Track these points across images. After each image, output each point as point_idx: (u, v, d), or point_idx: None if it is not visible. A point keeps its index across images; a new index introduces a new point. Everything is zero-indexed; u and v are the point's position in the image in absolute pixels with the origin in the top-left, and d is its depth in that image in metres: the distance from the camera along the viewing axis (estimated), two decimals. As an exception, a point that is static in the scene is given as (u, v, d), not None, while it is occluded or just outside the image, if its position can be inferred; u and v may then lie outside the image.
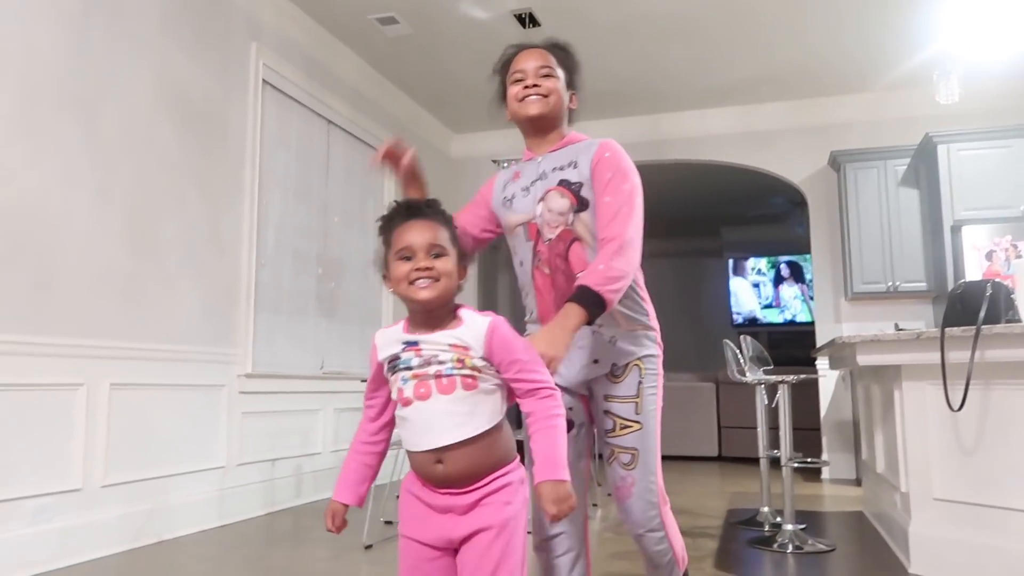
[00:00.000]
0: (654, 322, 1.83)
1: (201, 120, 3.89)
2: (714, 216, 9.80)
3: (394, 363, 1.40)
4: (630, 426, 1.74)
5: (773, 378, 3.71)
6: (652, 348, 1.80)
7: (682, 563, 1.87)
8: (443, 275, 1.36)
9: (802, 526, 3.59)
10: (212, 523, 3.79)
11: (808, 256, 7.28)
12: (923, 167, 5.45)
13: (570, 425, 1.74)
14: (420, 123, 6.30)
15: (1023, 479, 2.60)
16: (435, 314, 1.39)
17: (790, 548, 3.28)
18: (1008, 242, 4.94)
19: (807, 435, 6.00)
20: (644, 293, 1.82)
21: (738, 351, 4.01)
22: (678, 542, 1.86)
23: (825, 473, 5.77)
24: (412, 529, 1.42)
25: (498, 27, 4.74)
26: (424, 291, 1.35)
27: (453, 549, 1.39)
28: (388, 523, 3.87)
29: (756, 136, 6.19)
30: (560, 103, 1.80)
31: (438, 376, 1.35)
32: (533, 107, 1.77)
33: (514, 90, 1.81)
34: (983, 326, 2.57)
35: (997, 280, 2.83)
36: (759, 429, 4.04)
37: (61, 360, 3.04)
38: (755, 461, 4.09)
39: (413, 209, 1.43)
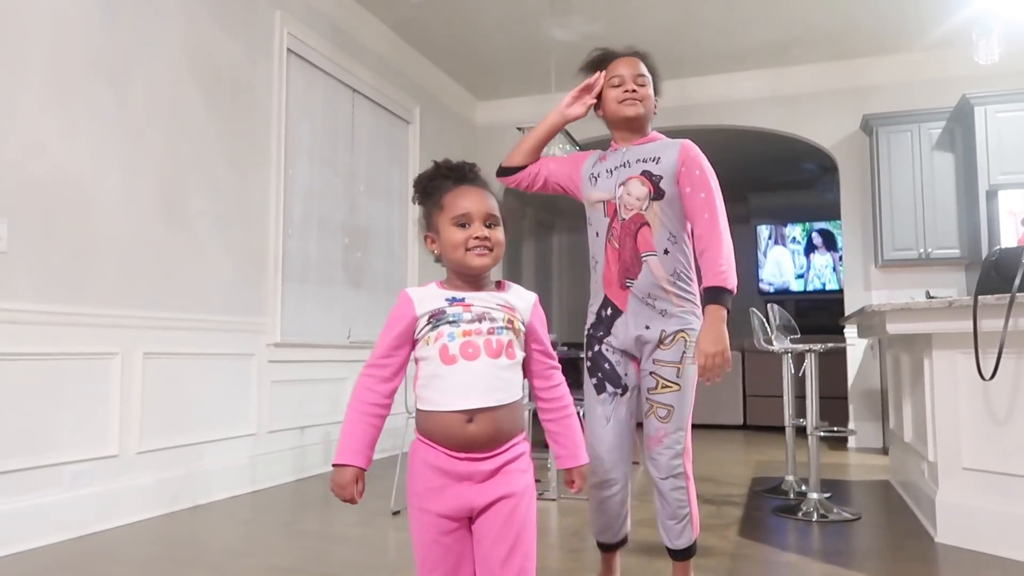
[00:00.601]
0: (699, 299, 2.06)
1: (228, 90, 3.90)
2: (741, 182, 9.64)
3: (438, 317, 1.38)
4: (670, 386, 2.00)
5: (800, 347, 3.68)
6: (696, 323, 2.03)
7: (696, 527, 2.09)
8: (496, 245, 1.42)
9: (827, 495, 3.59)
10: (244, 488, 3.88)
11: (838, 222, 7.16)
12: (959, 130, 5.32)
13: (625, 389, 2.07)
14: (444, 90, 6.26)
15: (1055, 449, 2.57)
16: (479, 280, 1.44)
17: (815, 516, 3.29)
18: (1046, 207, 4.81)
19: (834, 404, 5.98)
20: (693, 274, 2.08)
21: (765, 320, 3.98)
22: (695, 502, 2.09)
23: (852, 442, 5.74)
24: (428, 501, 1.38)
25: (522, -8, 4.67)
26: (479, 259, 1.40)
27: (468, 519, 1.39)
28: (415, 489, 3.93)
29: (785, 100, 6.07)
30: (650, 107, 2.08)
31: (491, 332, 1.38)
32: (630, 109, 2.04)
33: (613, 93, 2.07)
34: (1018, 294, 2.52)
35: (1033, 247, 2.77)
36: (785, 398, 4.02)
37: (96, 330, 3.11)
38: (780, 430, 4.09)
39: (461, 173, 1.46)
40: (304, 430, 4.39)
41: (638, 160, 2.02)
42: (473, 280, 1.43)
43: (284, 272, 4.30)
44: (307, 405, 4.44)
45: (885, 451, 5.29)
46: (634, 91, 2.03)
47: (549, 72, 5.68)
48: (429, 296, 1.42)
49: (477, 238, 1.39)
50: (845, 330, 5.58)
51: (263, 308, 4.11)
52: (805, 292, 9.97)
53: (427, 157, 5.96)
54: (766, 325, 3.95)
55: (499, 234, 1.43)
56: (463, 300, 1.40)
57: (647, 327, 2.01)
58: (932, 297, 4.54)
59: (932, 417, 2.96)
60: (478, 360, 1.36)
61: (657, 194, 1.98)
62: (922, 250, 5.38)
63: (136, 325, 3.29)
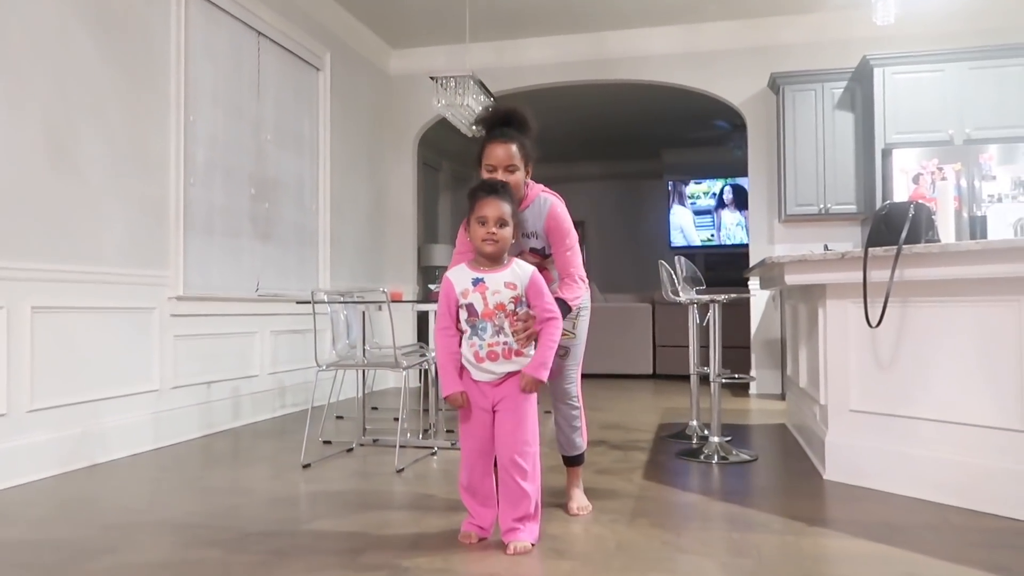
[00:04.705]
0: (587, 295, 2.65)
1: (120, 30, 3.66)
2: (655, 138, 9.80)
3: (472, 316, 2.19)
4: (567, 335, 2.56)
5: (704, 298, 3.80)
6: (587, 303, 2.67)
7: (585, 440, 2.71)
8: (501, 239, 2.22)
9: (728, 438, 3.76)
10: (147, 446, 3.76)
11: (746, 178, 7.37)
12: (859, 90, 5.52)
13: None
14: (357, 37, 6.05)
15: (933, 391, 2.75)
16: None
17: (715, 459, 3.44)
18: (935, 165, 5.08)
19: (739, 353, 6.23)
20: (585, 280, 2.60)
21: (673, 272, 4.08)
22: (585, 422, 2.72)
23: (753, 389, 6.02)
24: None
25: (435, -65, 4.52)
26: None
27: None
28: (326, 443, 3.90)
29: (699, 57, 6.16)
30: (518, 187, 2.45)
31: (505, 344, 2.20)
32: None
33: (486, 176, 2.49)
34: (904, 246, 2.67)
35: (920, 202, 2.92)
36: (691, 347, 4.16)
37: (-23, 282, 2.91)
38: (687, 378, 4.23)
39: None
40: (211, 385, 4.28)
41: (523, 235, 2.52)
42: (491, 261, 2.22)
43: (186, 223, 4.12)
44: (214, 360, 4.32)
45: (783, 397, 5.57)
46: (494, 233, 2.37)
47: (464, 21, 5.57)
48: (461, 277, 2.22)
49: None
50: (749, 282, 5.80)
51: (164, 260, 3.94)
52: (714, 246, 10.27)
53: (339, 105, 5.78)
54: (673, 277, 4.06)
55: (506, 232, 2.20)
56: (482, 280, 2.19)
57: None
58: (829, 250, 4.75)
59: (824, 363, 3.13)
60: (497, 361, 2.19)
61: (543, 258, 2.59)
62: (822, 206, 5.61)
63: (23, 278, 3.10)
